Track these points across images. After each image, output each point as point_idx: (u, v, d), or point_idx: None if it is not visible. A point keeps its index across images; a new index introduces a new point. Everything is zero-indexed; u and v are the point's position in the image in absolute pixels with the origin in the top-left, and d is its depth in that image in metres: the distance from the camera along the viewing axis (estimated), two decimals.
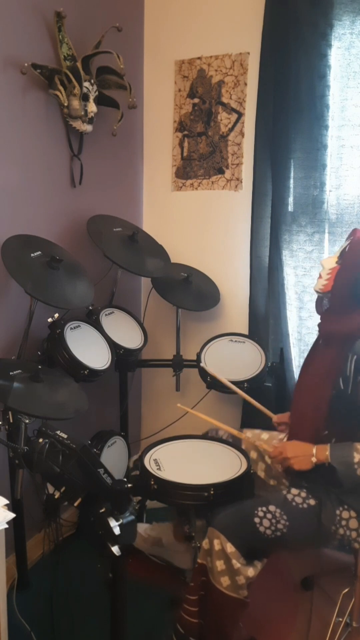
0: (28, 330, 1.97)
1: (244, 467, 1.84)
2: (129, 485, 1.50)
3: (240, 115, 2.48)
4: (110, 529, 1.42)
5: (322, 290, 1.73)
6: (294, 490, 1.68)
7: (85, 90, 2.08)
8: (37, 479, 1.80)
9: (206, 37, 2.50)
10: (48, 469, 1.50)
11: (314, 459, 1.64)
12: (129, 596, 1.55)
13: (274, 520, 1.61)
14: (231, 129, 2.51)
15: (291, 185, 2.35)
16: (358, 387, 1.63)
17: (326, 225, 2.32)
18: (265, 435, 1.97)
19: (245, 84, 2.44)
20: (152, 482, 1.78)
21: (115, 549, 1.43)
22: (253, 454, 1.95)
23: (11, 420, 1.58)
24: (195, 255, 2.67)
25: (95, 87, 2.13)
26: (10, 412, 1.58)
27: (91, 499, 1.52)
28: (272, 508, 1.63)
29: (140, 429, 2.96)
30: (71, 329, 2.07)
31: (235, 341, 2.46)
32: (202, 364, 2.33)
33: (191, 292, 2.53)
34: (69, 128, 2.19)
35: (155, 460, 1.90)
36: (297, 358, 2.44)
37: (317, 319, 1.83)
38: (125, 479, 1.53)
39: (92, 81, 2.11)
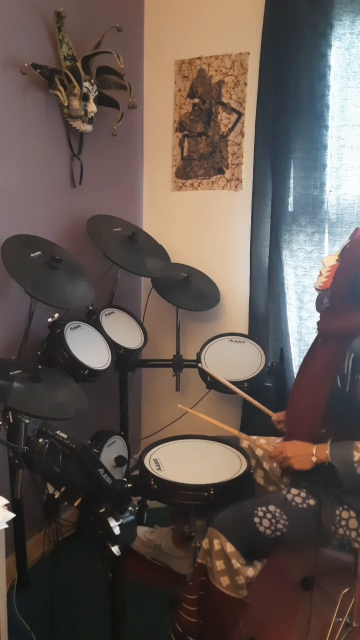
0: (28, 330, 1.97)
1: (244, 467, 1.84)
2: (129, 485, 1.50)
3: (240, 115, 2.48)
4: (110, 529, 1.43)
5: (322, 287, 1.73)
6: (294, 490, 1.68)
7: (85, 90, 2.08)
8: (37, 479, 1.80)
9: (206, 37, 2.50)
10: (48, 469, 1.50)
11: (314, 458, 1.64)
12: (129, 596, 1.55)
13: (273, 520, 1.61)
14: (231, 129, 2.51)
15: (291, 185, 2.35)
16: (355, 385, 1.63)
17: (326, 225, 2.32)
18: (263, 440, 1.97)
19: (245, 84, 2.44)
20: (152, 482, 1.78)
21: (115, 549, 1.43)
22: (251, 461, 1.94)
23: (11, 420, 1.58)
24: (195, 255, 2.67)
25: (95, 87, 2.13)
26: (10, 412, 1.58)
27: (91, 499, 1.52)
28: (272, 508, 1.63)
29: (140, 429, 2.96)
30: (71, 329, 2.07)
31: (235, 341, 2.46)
32: (199, 365, 2.33)
33: (191, 292, 2.53)
34: (69, 128, 2.19)
35: (155, 460, 1.90)
36: (297, 358, 2.43)
37: (317, 318, 1.83)
38: (125, 479, 1.54)
39: (92, 81, 2.11)
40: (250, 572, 1.60)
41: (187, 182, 2.65)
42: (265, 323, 2.51)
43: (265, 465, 1.93)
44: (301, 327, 2.42)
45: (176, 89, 2.61)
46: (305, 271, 2.37)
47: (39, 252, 1.93)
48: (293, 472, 1.69)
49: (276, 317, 2.51)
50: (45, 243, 2.03)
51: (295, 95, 2.24)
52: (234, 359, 2.38)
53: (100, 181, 2.45)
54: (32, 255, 1.91)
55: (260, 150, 2.39)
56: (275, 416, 2.02)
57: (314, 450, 1.65)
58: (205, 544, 1.64)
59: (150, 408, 2.94)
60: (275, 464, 1.79)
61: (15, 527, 2.00)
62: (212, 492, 1.72)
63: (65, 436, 1.52)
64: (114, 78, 2.16)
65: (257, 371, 2.33)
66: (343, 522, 1.64)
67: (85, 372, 1.98)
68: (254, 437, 1.94)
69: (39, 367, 1.76)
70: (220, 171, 2.57)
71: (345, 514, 1.64)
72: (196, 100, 2.57)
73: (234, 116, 2.49)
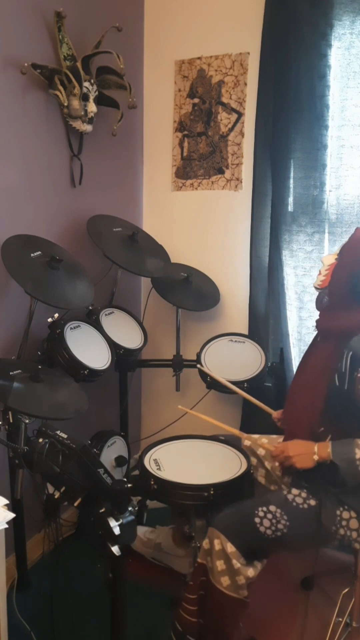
0: (28, 330, 1.97)
1: (244, 467, 1.84)
2: (129, 485, 1.50)
3: (240, 115, 2.48)
4: (110, 529, 1.43)
5: (320, 286, 1.74)
6: (295, 491, 1.68)
7: (85, 90, 2.08)
8: (37, 479, 1.80)
9: (206, 37, 2.50)
10: (48, 469, 1.50)
11: (315, 457, 1.64)
12: (129, 596, 1.55)
13: (274, 521, 1.61)
14: (231, 129, 2.51)
15: (291, 185, 2.35)
16: (354, 383, 1.63)
17: (326, 225, 2.32)
18: (264, 440, 1.97)
19: (245, 84, 2.44)
20: (152, 482, 1.78)
21: (115, 549, 1.43)
22: (253, 460, 1.94)
23: (11, 420, 1.58)
24: (195, 255, 2.67)
25: (95, 87, 2.13)
26: (10, 412, 1.58)
27: (91, 499, 1.52)
28: (272, 508, 1.63)
29: (140, 429, 2.96)
30: (71, 329, 2.07)
31: (235, 341, 2.46)
32: (198, 365, 2.32)
33: (191, 292, 2.53)
34: (69, 128, 2.19)
35: (155, 460, 1.90)
36: (297, 358, 2.43)
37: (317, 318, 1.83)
38: (125, 479, 1.53)
39: (92, 81, 2.11)
40: (251, 572, 1.60)
41: (187, 182, 2.65)
42: (265, 323, 2.51)
43: (267, 464, 1.93)
44: (301, 327, 2.42)
45: (176, 89, 2.61)
46: (305, 271, 2.37)
47: (39, 252, 1.93)
48: (295, 471, 1.69)
49: (276, 317, 2.51)
50: (45, 243, 2.03)
51: (295, 95, 2.24)
52: (234, 359, 2.38)
53: (100, 181, 2.45)
54: (32, 255, 1.91)
55: (260, 150, 2.39)
56: (275, 414, 2.02)
57: (316, 449, 1.65)
58: (205, 544, 1.64)
59: (150, 408, 2.94)
60: (277, 464, 1.79)
61: (15, 527, 2.00)
62: (212, 492, 1.72)
63: (65, 436, 1.52)
64: (114, 78, 2.16)
65: (257, 371, 2.33)
66: (343, 523, 1.64)
67: (85, 372, 1.98)
68: (256, 436, 1.94)
69: (39, 367, 1.76)
70: (220, 171, 2.57)
71: (345, 515, 1.64)
72: (196, 100, 2.57)
73: (234, 116, 2.49)
